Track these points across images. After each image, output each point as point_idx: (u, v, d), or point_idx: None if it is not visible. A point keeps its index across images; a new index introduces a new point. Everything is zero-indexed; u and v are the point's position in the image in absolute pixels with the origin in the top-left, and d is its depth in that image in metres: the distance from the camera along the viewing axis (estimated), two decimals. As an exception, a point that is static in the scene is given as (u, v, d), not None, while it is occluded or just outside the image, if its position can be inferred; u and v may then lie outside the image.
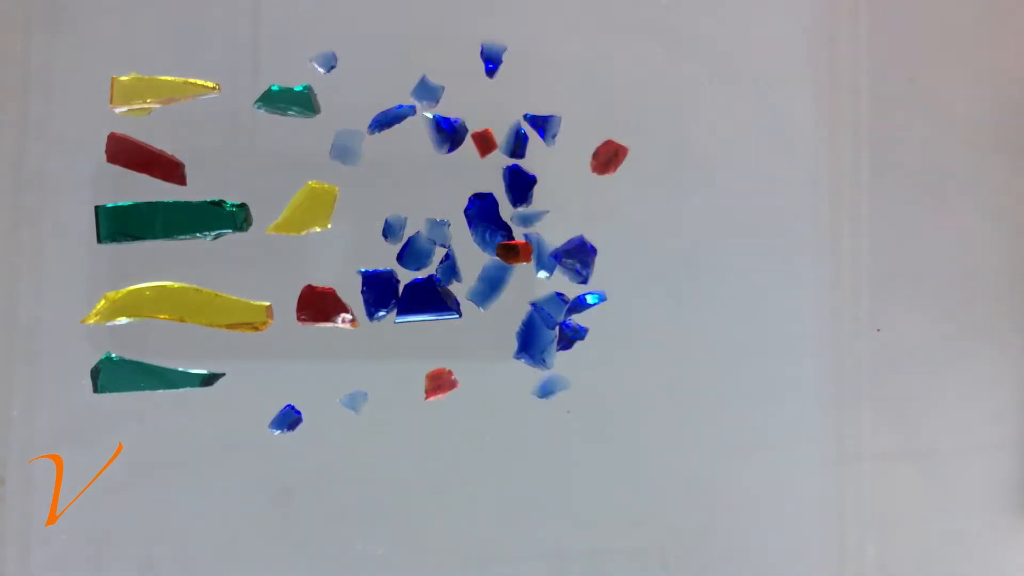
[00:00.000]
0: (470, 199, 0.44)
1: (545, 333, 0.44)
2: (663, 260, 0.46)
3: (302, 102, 0.44)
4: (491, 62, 0.45)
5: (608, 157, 0.45)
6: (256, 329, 0.43)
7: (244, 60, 0.44)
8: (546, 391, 0.45)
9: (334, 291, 0.44)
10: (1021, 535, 0.48)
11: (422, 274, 0.44)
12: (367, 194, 0.44)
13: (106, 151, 0.43)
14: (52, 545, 0.43)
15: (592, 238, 0.45)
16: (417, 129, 0.44)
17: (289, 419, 0.43)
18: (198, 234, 0.43)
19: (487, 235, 0.44)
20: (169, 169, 0.43)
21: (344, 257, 0.44)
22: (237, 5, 0.45)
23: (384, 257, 0.44)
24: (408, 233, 0.44)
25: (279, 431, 0.43)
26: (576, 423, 0.45)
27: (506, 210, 0.44)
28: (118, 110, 0.43)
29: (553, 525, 0.45)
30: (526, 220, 0.45)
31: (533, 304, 0.44)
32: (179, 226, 0.43)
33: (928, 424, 0.47)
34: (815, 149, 0.47)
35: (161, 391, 0.43)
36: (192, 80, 0.44)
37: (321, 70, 0.44)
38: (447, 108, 0.44)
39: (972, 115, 0.48)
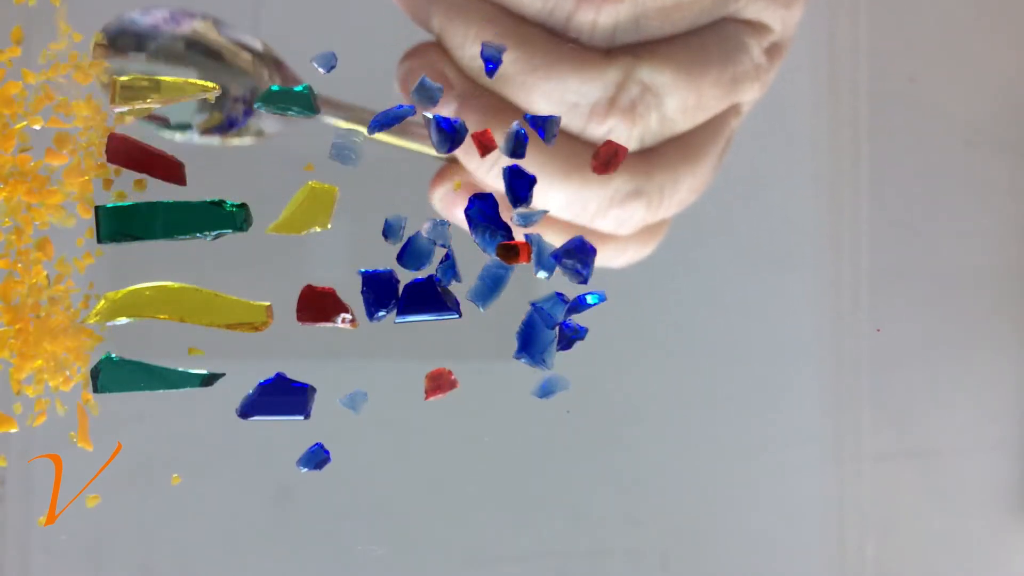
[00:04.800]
0: (470, 199, 0.44)
1: (545, 333, 0.44)
2: (663, 260, 0.46)
3: (302, 102, 0.44)
4: (491, 62, 0.45)
5: (608, 157, 0.45)
6: (256, 329, 0.43)
7: (244, 60, 0.44)
8: (546, 391, 0.45)
9: (334, 291, 0.44)
10: (1021, 535, 0.47)
11: (422, 274, 0.44)
12: (367, 194, 0.44)
13: (106, 151, 0.43)
14: (52, 546, 0.43)
15: (592, 238, 0.45)
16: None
17: (318, 458, 0.43)
18: (198, 234, 0.43)
19: (487, 235, 0.44)
20: (169, 169, 0.43)
21: (344, 257, 0.44)
22: (237, 5, 0.45)
23: (384, 257, 0.44)
24: (408, 233, 0.44)
25: (306, 469, 0.43)
26: (576, 423, 0.45)
27: (506, 210, 0.44)
28: (118, 110, 0.43)
29: (553, 525, 0.45)
30: (526, 220, 0.44)
31: (533, 304, 0.44)
32: (179, 226, 0.43)
33: (928, 424, 0.47)
34: (815, 148, 0.47)
35: (161, 391, 0.43)
36: (192, 80, 0.44)
37: (321, 70, 0.44)
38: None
39: (972, 115, 0.48)
